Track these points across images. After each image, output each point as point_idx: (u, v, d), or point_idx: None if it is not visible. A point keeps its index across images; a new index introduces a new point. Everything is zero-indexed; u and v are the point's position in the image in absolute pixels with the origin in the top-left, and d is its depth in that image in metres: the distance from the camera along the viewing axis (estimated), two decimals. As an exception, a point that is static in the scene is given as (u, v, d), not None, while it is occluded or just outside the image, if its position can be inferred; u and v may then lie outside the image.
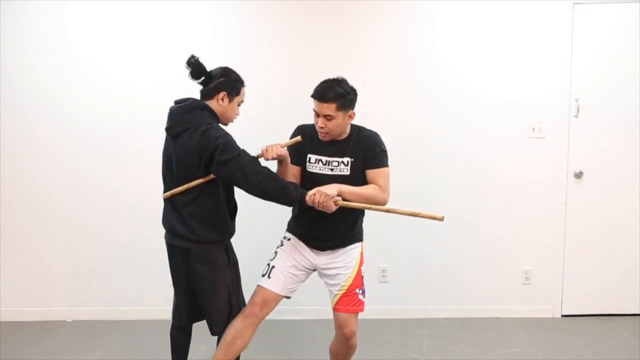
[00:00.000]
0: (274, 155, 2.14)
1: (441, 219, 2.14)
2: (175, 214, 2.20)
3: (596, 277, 3.51)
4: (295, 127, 2.41)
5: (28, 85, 3.34)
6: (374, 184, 2.28)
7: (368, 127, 3.64)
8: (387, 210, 2.21)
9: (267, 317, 3.44)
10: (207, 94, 2.20)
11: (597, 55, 3.38)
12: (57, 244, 3.44)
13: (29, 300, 3.47)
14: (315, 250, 2.35)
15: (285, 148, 2.22)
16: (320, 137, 2.27)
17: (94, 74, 3.33)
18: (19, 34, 3.30)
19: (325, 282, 2.42)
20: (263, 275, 2.33)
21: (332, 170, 2.27)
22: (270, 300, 2.30)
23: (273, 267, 2.33)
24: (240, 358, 2.36)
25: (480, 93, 3.40)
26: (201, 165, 2.09)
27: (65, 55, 3.32)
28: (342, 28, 3.36)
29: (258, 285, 2.32)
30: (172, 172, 2.19)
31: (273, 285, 2.30)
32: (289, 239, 2.40)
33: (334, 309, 2.36)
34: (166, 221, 2.26)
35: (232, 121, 2.27)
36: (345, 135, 2.31)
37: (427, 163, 3.45)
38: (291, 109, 3.40)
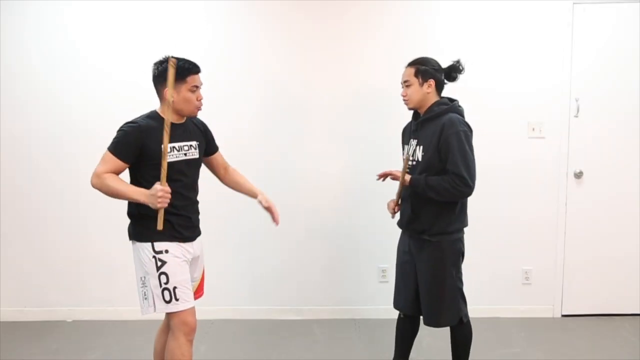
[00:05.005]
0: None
1: None
2: None
3: (596, 277, 3.51)
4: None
5: (29, 84, 3.34)
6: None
7: (368, 126, 3.63)
8: None
9: (267, 317, 3.46)
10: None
11: (597, 55, 3.38)
12: (57, 243, 3.44)
13: (29, 300, 3.47)
14: (192, 243, 2.22)
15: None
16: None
17: (95, 74, 3.33)
18: (20, 34, 3.30)
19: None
20: (170, 301, 2.08)
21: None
22: (194, 311, 2.17)
23: (175, 287, 2.09)
24: (242, 358, 2.37)
25: (480, 93, 3.39)
26: None
27: (67, 55, 3.32)
28: (342, 28, 3.36)
29: (178, 312, 2.10)
30: None
31: (188, 303, 2.12)
32: (166, 251, 2.10)
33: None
34: None
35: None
36: None
37: (427, 163, 3.44)
38: (291, 109, 3.40)
